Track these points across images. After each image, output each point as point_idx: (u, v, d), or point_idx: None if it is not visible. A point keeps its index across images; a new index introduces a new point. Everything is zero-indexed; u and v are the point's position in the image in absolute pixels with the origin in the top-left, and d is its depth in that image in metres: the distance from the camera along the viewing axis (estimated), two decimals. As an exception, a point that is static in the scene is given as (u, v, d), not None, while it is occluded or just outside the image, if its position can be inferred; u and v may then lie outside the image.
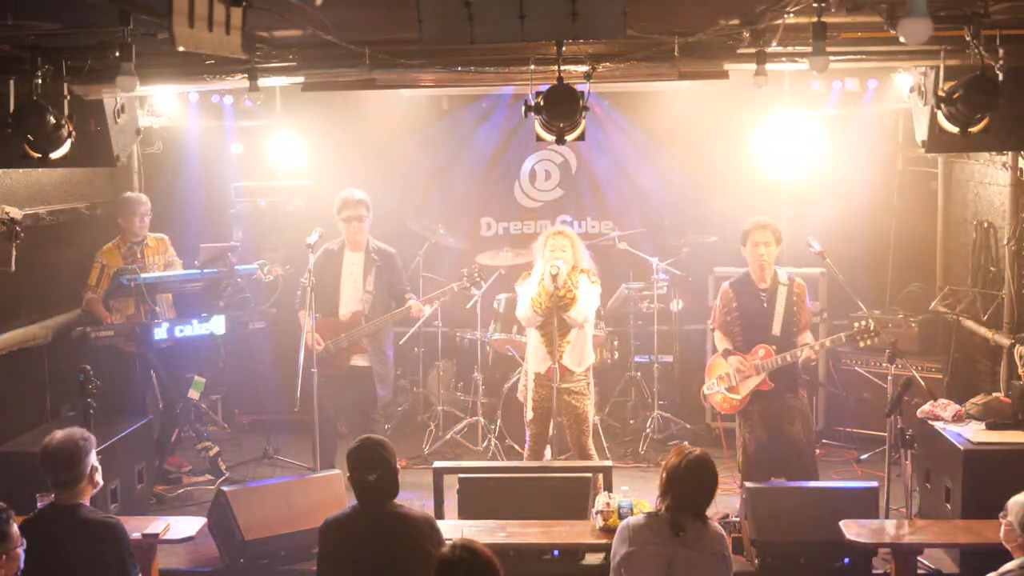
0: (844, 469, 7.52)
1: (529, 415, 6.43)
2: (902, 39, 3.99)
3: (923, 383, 6.51)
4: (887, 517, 5.72)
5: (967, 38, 4.94)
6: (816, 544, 5.52)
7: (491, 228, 9.26)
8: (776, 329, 6.37)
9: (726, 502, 6.44)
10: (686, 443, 4.97)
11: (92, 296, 7.22)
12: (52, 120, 5.40)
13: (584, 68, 5.51)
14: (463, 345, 8.48)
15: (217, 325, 7.17)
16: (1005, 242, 6.99)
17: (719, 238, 8.21)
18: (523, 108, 5.13)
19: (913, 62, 5.87)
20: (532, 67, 5.61)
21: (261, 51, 5.67)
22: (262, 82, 5.84)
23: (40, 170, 7.04)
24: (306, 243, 6.87)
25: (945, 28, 4.86)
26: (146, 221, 7.43)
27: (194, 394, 7.40)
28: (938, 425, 6.10)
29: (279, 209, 8.48)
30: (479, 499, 5.70)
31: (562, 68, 5.14)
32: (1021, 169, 6.82)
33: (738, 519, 5.98)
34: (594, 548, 5.32)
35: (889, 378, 6.28)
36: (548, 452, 6.45)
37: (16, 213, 6.33)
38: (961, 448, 5.73)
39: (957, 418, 6.13)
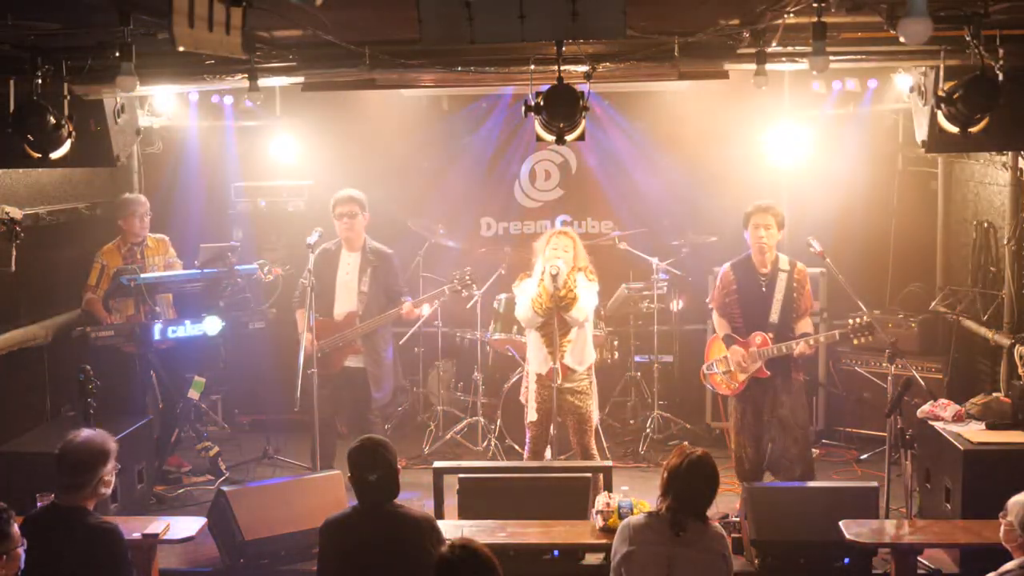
0: (844, 469, 7.52)
1: (532, 416, 6.41)
2: (902, 39, 3.99)
3: (923, 383, 6.52)
4: (887, 517, 5.72)
5: (967, 38, 4.94)
6: (816, 544, 5.52)
7: (491, 228, 9.26)
8: (774, 316, 6.37)
9: (726, 502, 6.44)
10: (687, 443, 4.99)
11: (92, 296, 7.22)
12: (52, 120, 5.40)
13: (584, 68, 5.51)
14: (463, 345, 8.48)
15: (210, 326, 7.15)
16: (1005, 242, 6.99)
17: (719, 238, 8.21)
18: (523, 108, 5.13)
19: (913, 62, 5.87)
20: (532, 67, 5.61)
21: (261, 51, 5.67)
22: (262, 82, 5.84)
23: (40, 170, 7.04)
24: (306, 243, 6.87)
25: (945, 28, 4.86)
26: (146, 222, 7.43)
27: (194, 394, 7.39)
28: (938, 425, 6.10)
29: (279, 209, 8.48)
30: (479, 499, 5.69)
31: (562, 68, 5.14)
32: (1021, 169, 6.82)
33: (738, 519, 5.98)
34: (594, 548, 5.32)
35: (889, 378, 6.27)
36: (548, 452, 6.45)
37: (16, 213, 6.33)
38: (961, 448, 5.73)
39: (957, 418, 6.13)
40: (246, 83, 5.81)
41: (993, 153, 7.05)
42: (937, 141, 5.75)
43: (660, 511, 4.15)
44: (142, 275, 7.05)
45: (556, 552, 5.35)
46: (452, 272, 7.30)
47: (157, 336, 7.04)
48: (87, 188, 7.93)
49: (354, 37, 5.50)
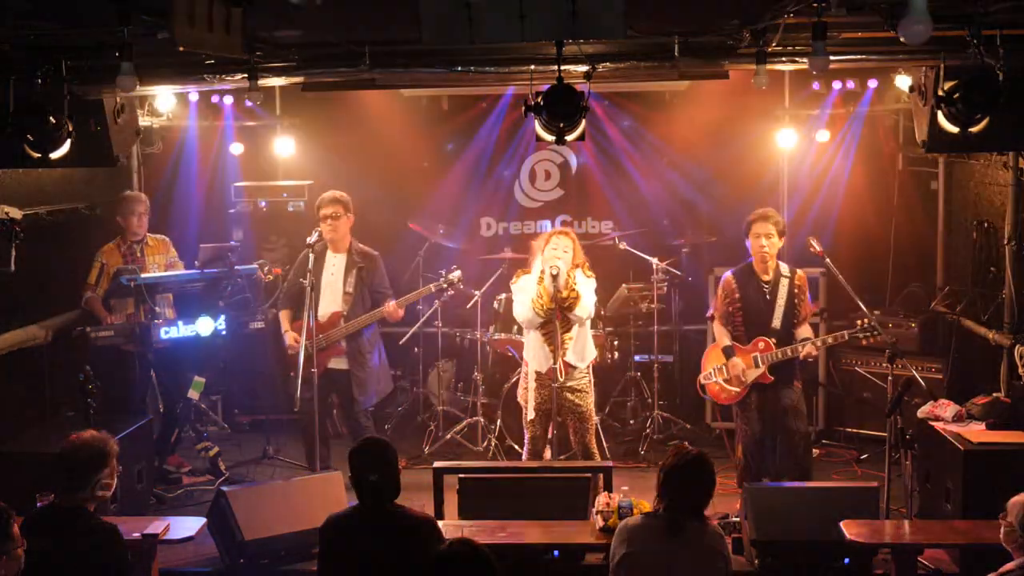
0: (844, 469, 7.52)
1: (531, 415, 6.40)
2: (902, 39, 3.99)
3: (923, 383, 6.51)
4: (887, 517, 5.72)
5: (967, 38, 4.94)
6: (816, 544, 5.51)
7: (491, 228, 9.26)
8: (776, 323, 6.39)
9: (726, 502, 6.44)
10: (686, 443, 4.99)
11: (92, 296, 7.22)
12: (52, 120, 5.40)
13: (584, 68, 5.51)
14: (463, 345, 8.48)
15: (203, 326, 7.13)
16: (1005, 242, 6.99)
17: (719, 238, 8.20)
18: (523, 108, 5.13)
19: (913, 62, 5.86)
20: (532, 67, 5.61)
21: (261, 51, 5.67)
22: (262, 82, 5.84)
23: (40, 170, 7.04)
24: (306, 243, 6.87)
25: (945, 28, 4.85)
26: (144, 220, 7.42)
27: (194, 394, 7.39)
28: (938, 425, 6.09)
29: (279, 209, 8.48)
30: (479, 499, 5.69)
31: (562, 68, 5.14)
32: (1021, 169, 6.82)
33: (738, 519, 5.98)
34: (594, 548, 5.31)
35: (889, 378, 6.27)
36: (548, 452, 6.45)
37: (16, 213, 6.33)
38: (961, 448, 5.73)
39: (957, 418, 6.12)
40: (246, 83, 5.81)
41: (993, 153, 7.04)
42: (937, 141, 5.74)
43: (658, 512, 4.15)
44: (142, 275, 7.05)
45: (556, 552, 5.35)
46: (439, 271, 7.30)
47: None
48: (87, 188, 7.92)
49: (354, 37, 5.51)
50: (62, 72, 5.50)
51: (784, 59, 5.63)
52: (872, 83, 7.71)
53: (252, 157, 8.70)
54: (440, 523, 4.66)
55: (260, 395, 8.35)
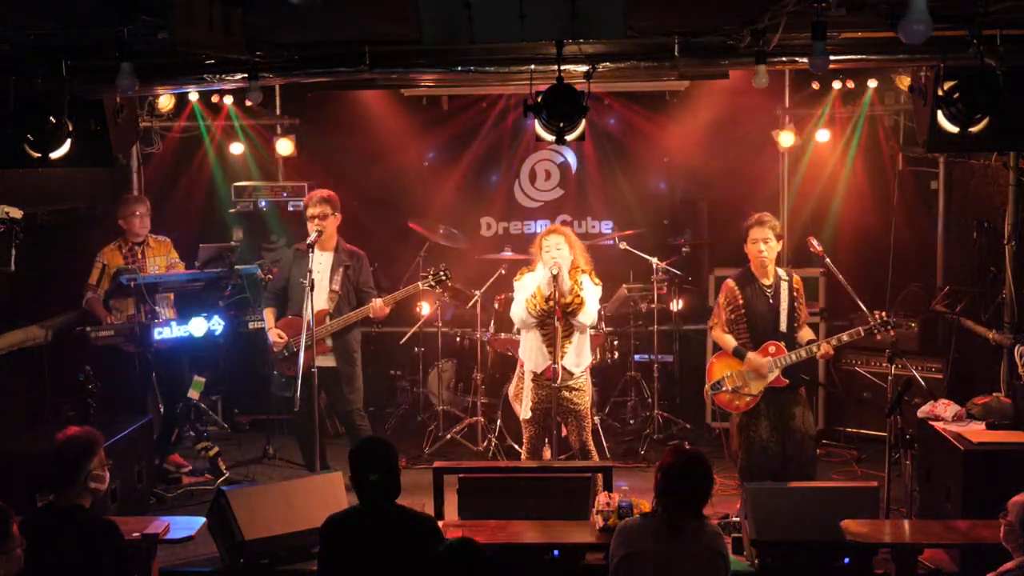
0: (844, 469, 7.51)
1: (527, 415, 6.39)
2: (902, 39, 3.99)
3: (923, 383, 6.50)
4: (887, 517, 5.72)
5: (967, 38, 4.94)
6: (816, 544, 5.51)
7: (491, 228, 9.26)
8: (783, 326, 6.33)
9: (726, 502, 6.43)
10: (685, 442, 4.99)
11: (92, 296, 7.22)
12: (52, 120, 5.40)
13: (584, 68, 5.51)
14: (463, 345, 8.48)
15: (196, 327, 7.12)
16: (1005, 242, 6.99)
17: (719, 238, 8.20)
18: (523, 108, 5.13)
19: (913, 62, 5.86)
20: (532, 67, 5.61)
21: (261, 51, 5.67)
22: (262, 82, 5.84)
23: (40, 170, 7.03)
24: (307, 243, 6.87)
25: (945, 28, 4.85)
26: (146, 221, 7.43)
27: (194, 394, 7.39)
28: (938, 425, 6.09)
29: (279, 209, 8.48)
30: (479, 499, 5.69)
31: (562, 68, 5.14)
32: (1022, 169, 6.82)
33: (738, 519, 5.98)
34: (594, 548, 5.31)
35: (889, 378, 6.26)
36: (548, 452, 6.44)
37: (16, 213, 6.33)
38: (961, 448, 5.72)
39: (957, 418, 6.12)
40: (246, 83, 5.81)
41: (993, 153, 7.04)
42: (937, 141, 5.73)
43: (656, 512, 4.14)
44: (142, 275, 7.05)
45: (556, 552, 5.35)
46: (427, 268, 7.29)
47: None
48: (87, 188, 7.92)
49: (354, 37, 5.51)
50: (62, 72, 5.51)
51: (784, 59, 5.63)
52: (872, 83, 7.71)
53: (252, 157, 8.70)
54: (440, 523, 4.66)
55: (260, 395, 8.34)
